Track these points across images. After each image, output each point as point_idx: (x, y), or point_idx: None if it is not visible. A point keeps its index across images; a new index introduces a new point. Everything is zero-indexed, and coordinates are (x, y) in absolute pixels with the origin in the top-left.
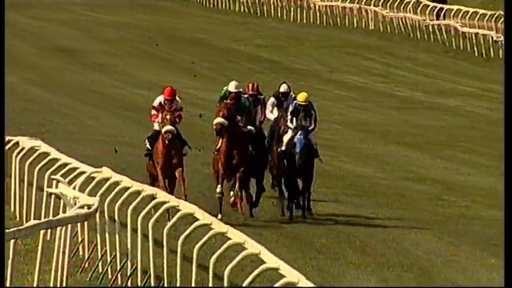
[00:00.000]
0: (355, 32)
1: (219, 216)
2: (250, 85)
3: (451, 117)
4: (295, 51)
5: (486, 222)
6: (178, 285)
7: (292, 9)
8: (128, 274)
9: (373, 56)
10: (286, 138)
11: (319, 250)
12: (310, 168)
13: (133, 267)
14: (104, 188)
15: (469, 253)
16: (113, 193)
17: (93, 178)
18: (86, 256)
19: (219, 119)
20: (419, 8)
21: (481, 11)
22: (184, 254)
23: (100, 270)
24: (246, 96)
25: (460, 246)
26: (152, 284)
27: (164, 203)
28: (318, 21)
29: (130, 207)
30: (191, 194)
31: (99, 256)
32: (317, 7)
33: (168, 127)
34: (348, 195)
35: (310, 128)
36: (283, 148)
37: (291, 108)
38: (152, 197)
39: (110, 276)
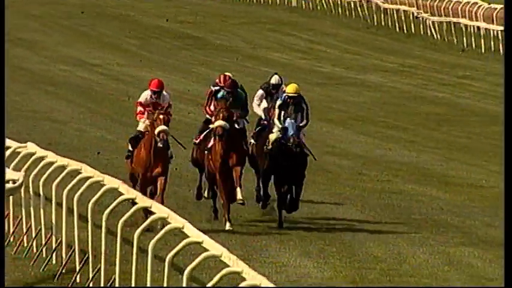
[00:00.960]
0: (278, 8)
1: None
2: (222, 77)
3: (372, 92)
4: (219, 28)
5: (407, 196)
6: (102, 258)
7: None
8: (53, 248)
9: (296, 32)
10: (272, 137)
11: (242, 224)
12: (304, 164)
13: (58, 241)
14: (28, 163)
15: (390, 227)
16: (38, 168)
17: (18, 153)
18: (11, 230)
19: (221, 122)
20: None
21: None
22: (109, 228)
23: (25, 245)
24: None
25: (382, 220)
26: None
27: (88, 178)
28: None
29: (55, 182)
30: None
31: (24, 230)
32: None
33: (162, 127)
34: None
35: (301, 124)
36: (269, 147)
37: (279, 102)
38: (77, 172)
39: (35, 251)
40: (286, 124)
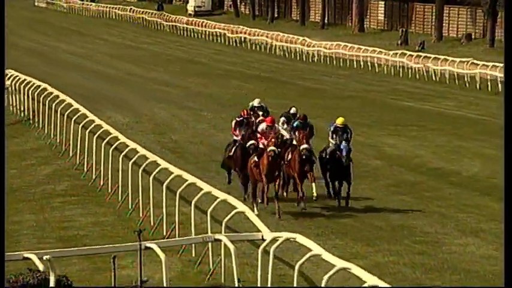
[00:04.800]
0: None
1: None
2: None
3: None
4: None
5: None
6: None
7: None
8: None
9: None
10: (329, 149)
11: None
12: (350, 168)
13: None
14: None
15: None
16: None
17: None
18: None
19: (274, 148)
20: None
21: None
22: None
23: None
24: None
25: None
26: None
27: None
28: None
29: None
30: None
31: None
32: None
33: (272, 148)
34: None
35: (349, 144)
36: (326, 155)
37: (331, 129)
38: None
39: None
40: (342, 147)
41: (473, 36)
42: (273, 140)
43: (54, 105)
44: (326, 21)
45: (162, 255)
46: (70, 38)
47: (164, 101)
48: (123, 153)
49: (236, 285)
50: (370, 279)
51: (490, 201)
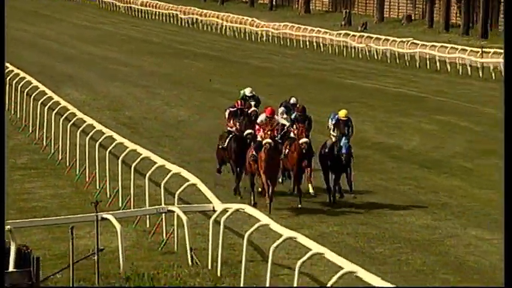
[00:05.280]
0: None
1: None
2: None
3: None
4: None
5: None
6: None
7: None
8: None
9: None
10: (329, 142)
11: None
12: (350, 164)
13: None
14: None
15: None
16: None
17: None
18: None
19: (269, 140)
20: None
21: None
22: None
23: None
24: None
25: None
26: None
27: None
28: None
29: None
30: None
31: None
32: None
33: (268, 140)
34: None
35: (349, 136)
36: (326, 150)
37: (334, 121)
38: None
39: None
40: (342, 144)
41: (413, 18)
42: (269, 132)
43: (14, 82)
44: (274, 3)
45: (117, 226)
46: (29, 18)
47: (119, 79)
48: (80, 129)
49: (188, 253)
50: (315, 247)
51: (428, 173)
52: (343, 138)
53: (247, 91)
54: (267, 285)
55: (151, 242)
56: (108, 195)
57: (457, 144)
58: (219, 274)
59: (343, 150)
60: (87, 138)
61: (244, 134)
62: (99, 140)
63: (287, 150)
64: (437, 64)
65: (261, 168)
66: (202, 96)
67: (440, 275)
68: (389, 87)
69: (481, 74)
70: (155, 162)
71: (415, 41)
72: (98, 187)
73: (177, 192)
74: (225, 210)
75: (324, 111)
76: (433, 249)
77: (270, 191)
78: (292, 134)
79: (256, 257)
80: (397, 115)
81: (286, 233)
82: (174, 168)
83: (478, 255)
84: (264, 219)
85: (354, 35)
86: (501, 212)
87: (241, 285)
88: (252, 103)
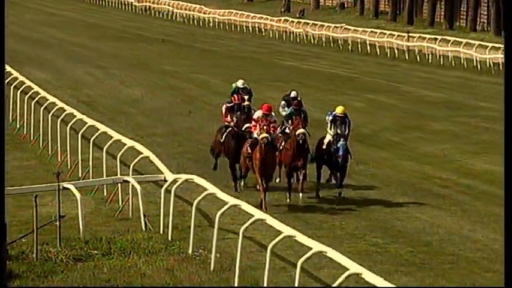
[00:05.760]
0: None
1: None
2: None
3: None
4: None
5: None
6: None
7: None
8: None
9: None
10: (326, 140)
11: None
12: (346, 164)
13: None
14: None
15: None
16: None
17: None
18: None
19: (266, 134)
20: None
21: None
22: None
23: None
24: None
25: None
26: None
27: None
28: None
29: None
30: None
31: None
32: None
33: (265, 134)
34: None
35: (346, 134)
36: (323, 147)
37: (330, 118)
38: None
39: None
40: (339, 145)
41: (346, 6)
42: (265, 127)
43: None
44: None
45: (77, 195)
46: None
47: (80, 61)
48: (43, 106)
49: (142, 219)
50: (257, 213)
51: (359, 147)
52: (341, 139)
53: (240, 83)
54: (265, 284)
55: (109, 209)
56: (69, 167)
57: (385, 120)
58: (169, 238)
59: (340, 152)
60: (50, 115)
61: (243, 128)
62: (61, 117)
63: (283, 143)
64: (368, 47)
65: (256, 167)
66: (155, 77)
67: (370, 238)
68: (324, 69)
69: (407, 57)
70: (112, 137)
71: (347, 27)
72: (59, 159)
73: (132, 164)
74: (175, 180)
75: (265, 90)
76: (364, 215)
77: (264, 190)
78: (287, 130)
79: (204, 222)
80: (331, 94)
81: (232, 201)
82: (129, 142)
83: (404, 220)
84: (211, 188)
85: (292, 21)
86: (424, 181)
87: (190, 248)
88: (246, 97)
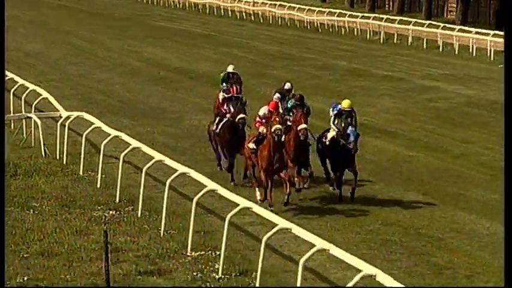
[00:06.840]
0: None
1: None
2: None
3: None
4: None
5: None
6: None
7: None
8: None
9: None
10: (329, 135)
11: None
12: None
13: None
14: None
15: None
16: None
17: None
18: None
19: (279, 126)
20: None
21: None
22: None
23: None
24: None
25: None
26: None
27: None
28: None
29: None
30: None
31: None
32: None
33: (278, 126)
34: None
35: (354, 129)
36: (327, 143)
37: (335, 112)
38: None
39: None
40: (349, 131)
41: None
42: (277, 119)
43: None
44: None
45: None
46: None
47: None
48: None
49: (42, 148)
50: (135, 143)
51: (216, 89)
52: (349, 126)
53: (230, 68)
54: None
55: (16, 139)
56: None
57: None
58: (64, 163)
59: (351, 138)
60: None
61: (237, 118)
62: None
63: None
64: (222, 11)
65: (262, 165)
66: (52, 35)
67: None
68: (189, 28)
69: (253, 18)
70: (17, 82)
71: None
72: None
73: (34, 104)
74: (68, 117)
75: (140, 45)
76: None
77: (270, 188)
78: (288, 123)
79: (92, 150)
80: (193, 48)
81: (113, 132)
82: (31, 86)
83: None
84: (97, 122)
85: None
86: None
87: (81, 170)
88: (238, 87)
